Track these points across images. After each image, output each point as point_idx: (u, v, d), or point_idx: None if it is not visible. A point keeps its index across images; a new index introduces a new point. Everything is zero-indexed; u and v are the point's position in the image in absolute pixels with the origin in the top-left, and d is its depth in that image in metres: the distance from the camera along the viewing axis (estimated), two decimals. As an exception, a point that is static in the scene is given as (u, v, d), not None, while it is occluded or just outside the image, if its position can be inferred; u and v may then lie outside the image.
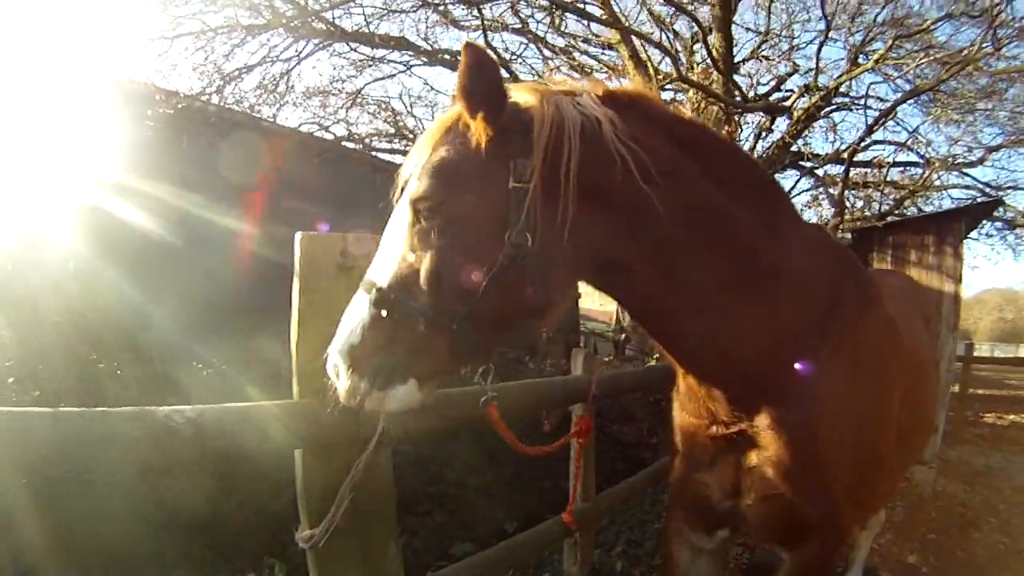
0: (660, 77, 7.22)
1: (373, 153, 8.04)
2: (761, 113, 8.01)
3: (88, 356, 4.12)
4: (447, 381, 1.43)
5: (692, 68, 7.63)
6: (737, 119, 7.17)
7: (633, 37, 7.92)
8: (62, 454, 1.15)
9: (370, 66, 8.36)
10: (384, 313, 1.26)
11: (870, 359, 1.62)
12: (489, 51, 1.31)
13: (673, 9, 7.97)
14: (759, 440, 1.54)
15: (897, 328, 1.82)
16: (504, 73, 7.41)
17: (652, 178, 1.35)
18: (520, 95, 1.34)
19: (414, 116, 8.38)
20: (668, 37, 9.00)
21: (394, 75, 8.64)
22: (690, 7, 8.82)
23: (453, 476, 4.14)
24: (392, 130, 8.60)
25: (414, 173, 1.33)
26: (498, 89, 1.29)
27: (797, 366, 1.49)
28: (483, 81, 1.26)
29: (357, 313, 1.29)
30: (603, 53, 8.80)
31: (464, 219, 1.27)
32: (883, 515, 3.79)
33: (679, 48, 8.91)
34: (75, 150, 6.01)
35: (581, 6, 8.24)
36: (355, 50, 8.00)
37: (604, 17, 7.70)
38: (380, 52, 8.01)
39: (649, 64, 7.46)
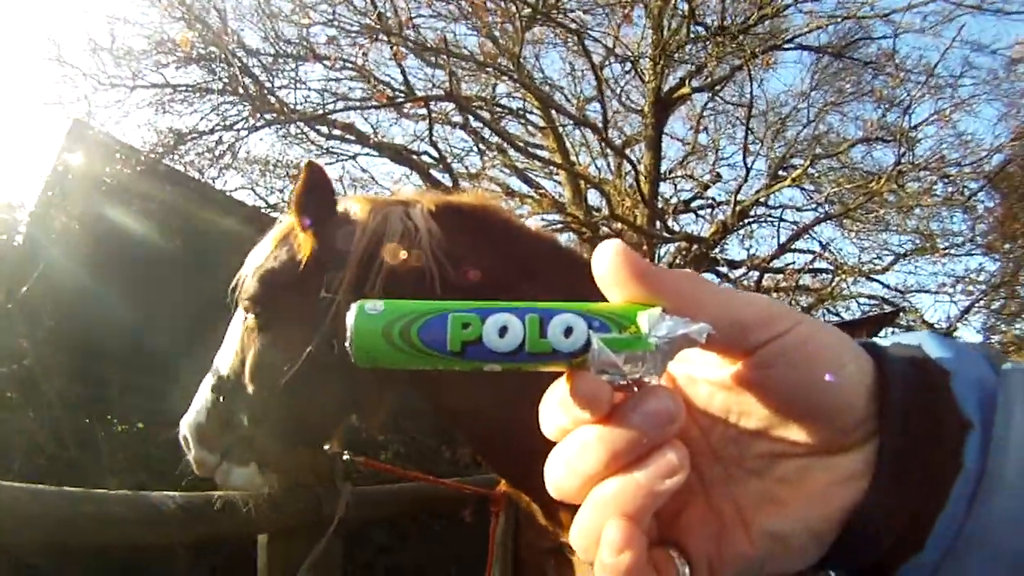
0: (595, 213, 7.66)
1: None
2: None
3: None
4: (293, 474, 1.53)
5: (620, 192, 8.08)
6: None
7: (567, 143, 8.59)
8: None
9: (320, 153, 8.57)
10: (221, 399, 1.39)
11: None
12: (326, 170, 1.38)
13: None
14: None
15: None
16: (447, 175, 7.68)
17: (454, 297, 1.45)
18: (354, 206, 1.37)
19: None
20: (602, 166, 9.71)
21: (342, 161, 8.96)
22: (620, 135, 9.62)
23: (364, 557, 4.17)
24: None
25: (248, 275, 1.41)
26: (327, 207, 1.36)
27: None
28: (315, 198, 1.34)
29: (203, 393, 1.43)
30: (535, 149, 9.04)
31: (281, 323, 1.37)
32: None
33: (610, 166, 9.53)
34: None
35: (522, 112, 8.95)
36: (306, 135, 8.19)
37: (544, 126, 8.38)
38: (331, 143, 8.31)
39: (578, 166, 7.95)
